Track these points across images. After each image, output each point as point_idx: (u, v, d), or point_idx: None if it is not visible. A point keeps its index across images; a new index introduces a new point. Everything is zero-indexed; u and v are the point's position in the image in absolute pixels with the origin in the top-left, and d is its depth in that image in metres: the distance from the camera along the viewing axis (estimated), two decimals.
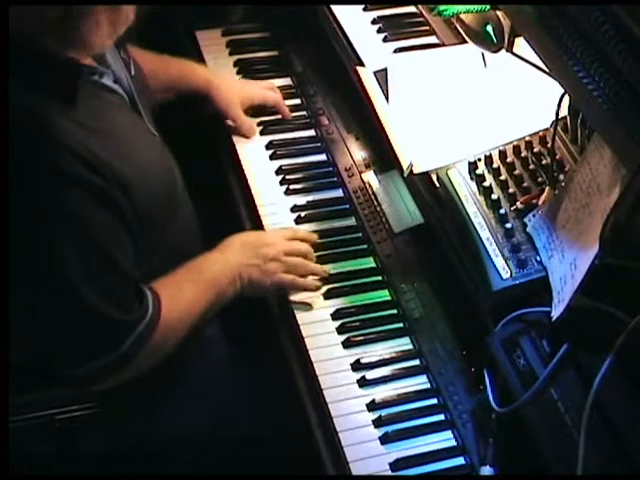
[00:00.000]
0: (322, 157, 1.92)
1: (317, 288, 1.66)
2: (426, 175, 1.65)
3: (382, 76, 1.74)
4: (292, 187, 1.85)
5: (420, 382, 1.55)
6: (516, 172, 1.59)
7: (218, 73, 2.03)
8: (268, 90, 2.00)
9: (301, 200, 1.83)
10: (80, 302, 1.39)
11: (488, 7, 1.56)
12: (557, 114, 1.56)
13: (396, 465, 1.44)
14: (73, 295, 1.38)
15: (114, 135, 1.42)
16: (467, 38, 1.65)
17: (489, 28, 1.57)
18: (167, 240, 1.58)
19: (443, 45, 1.89)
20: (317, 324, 1.62)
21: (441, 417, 1.50)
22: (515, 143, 1.63)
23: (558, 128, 1.59)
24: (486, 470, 1.40)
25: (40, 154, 1.31)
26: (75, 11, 1.30)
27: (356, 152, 1.90)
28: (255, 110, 1.98)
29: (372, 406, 1.51)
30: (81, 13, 1.30)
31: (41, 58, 1.33)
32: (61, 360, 1.47)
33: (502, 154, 1.62)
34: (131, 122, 1.54)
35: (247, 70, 2.09)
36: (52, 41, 1.32)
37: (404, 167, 1.66)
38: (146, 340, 1.48)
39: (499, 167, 1.61)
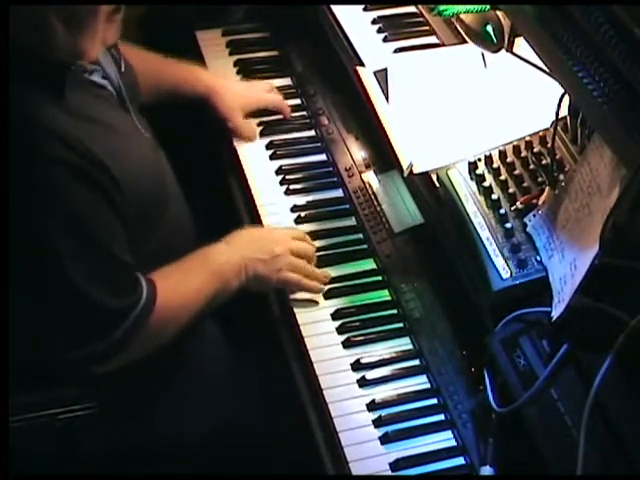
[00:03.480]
0: (322, 157, 1.92)
1: (320, 291, 1.66)
2: (426, 175, 1.65)
3: (382, 76, 1.74)
4: (292, 187, 1.84)
5: (420, 382, 1.55)
6: (516, 172, 1.59)
7: (218, 73, 2.03)
8: (269, 93, 2.00)
9: (301, 200, 1.83)
10: (69, 287, 1.38)
11: (488, 7, 1.56)
12: (557, 114, 1.56)
13: (396, 465, 1.44)
14: (62, 279, 1.38)
15: (99, 125, 1.42)
16: (467, 38, 1.65)
17: (489, 28, 1.57)
18: (156, 236, 1.57)
19: (443, 45, 1.89)
20: (317, 324, 1.62)
21: (441, 417, 1.50)
22: (515, 143, 1.63)
23: (558, 128, 1.58)
24: (486, 470, 1.40)
25: (19, 137, 1.31)
26: (79, 25, 1.31)
27: (356, 152, 1.90)
28: (255, 111, 1.98)
29: (372, 406, 1.51)
30: (84, 27, 1.32)
31: (31, 55, 1.33)
32: (54, 346, 1.47)
33: (502, 154, 1.62)
34: (117, 116, 1.53)
35: (247, 70, 2.09)
36: (49, 49, 1.33)
37: (404, 167, 1.65)
38: (140, 328, 1.47)
39: (499, 167, 1.61)
